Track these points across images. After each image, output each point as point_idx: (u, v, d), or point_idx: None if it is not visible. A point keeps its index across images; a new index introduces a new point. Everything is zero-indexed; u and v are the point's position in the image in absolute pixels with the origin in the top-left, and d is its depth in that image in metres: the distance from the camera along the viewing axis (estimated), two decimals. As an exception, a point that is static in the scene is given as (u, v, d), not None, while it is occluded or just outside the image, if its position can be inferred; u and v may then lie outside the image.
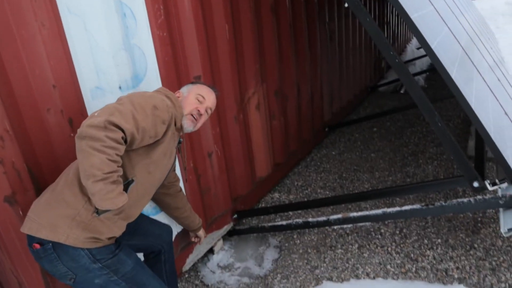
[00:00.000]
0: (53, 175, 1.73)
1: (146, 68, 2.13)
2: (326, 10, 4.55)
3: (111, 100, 1.94)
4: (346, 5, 1.92)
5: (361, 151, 4.48)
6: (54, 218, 1.47)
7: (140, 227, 1.95)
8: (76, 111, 1.79)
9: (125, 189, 1.50)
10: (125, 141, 1.43)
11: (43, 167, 1.71)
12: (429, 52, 1.86)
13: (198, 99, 1.80)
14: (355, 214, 2.43)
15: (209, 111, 1.87)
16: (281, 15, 3.45)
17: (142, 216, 1.98)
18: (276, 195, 3.67)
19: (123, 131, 1.39)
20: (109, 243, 1.60)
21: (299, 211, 3.32)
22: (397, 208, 2.27)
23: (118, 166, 1.38)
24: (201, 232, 2.48)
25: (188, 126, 1.78)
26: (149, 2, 2.07)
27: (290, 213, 3.32)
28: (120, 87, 1.98)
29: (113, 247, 1.61)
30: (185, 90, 1.86)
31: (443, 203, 2.12)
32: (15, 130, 1.58)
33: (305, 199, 3.55)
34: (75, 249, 1.49)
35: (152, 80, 2.17)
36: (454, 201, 2.08)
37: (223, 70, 2.73)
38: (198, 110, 1.79)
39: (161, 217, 2.31)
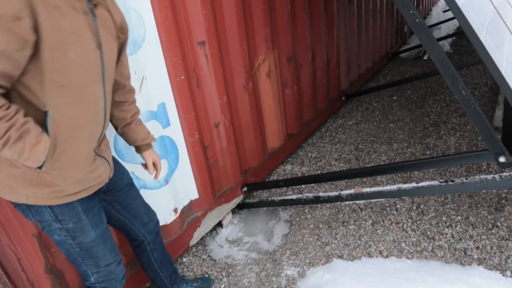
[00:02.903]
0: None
1: (145, 33, 1.98)
2: (345, -31, 4.25)
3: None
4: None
5: (379, 121, 4.28)
6: (7, 179, 1.30)
7: (133, 206, 1.79)
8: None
9: (46, 128, 1.21)
10: None
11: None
12: (454, 9, 1.64)
13: None
14: (368, 189, 2.29)
15: None
16: (295, -26, 3.21)
17: (138, 196, 1.82)
18: (289, 167, 3.55)
19: None
20: (79, 197, 1.42)
21: (312, 184, 3.20)
22: (413, 184, 2.11)
23: (10, 119, 1.10)
24: (147, 154, 1.78)
25: None
26: (145, -40, 1.91)
27: (303, 186, 3.21)
28: (115, 54, 1.84)
29: (80, 210, 1.44)
30: None
31: (464, 180, 1.95)
32: None
33: (319, 171, 3.42)
34: (39, 206, 1.38)
35: (152, 46, 2.03)
36: (477, 177, 1.91)
37: (230, 35, 2.55)
38: None
39: (163, 192, 2.23)
